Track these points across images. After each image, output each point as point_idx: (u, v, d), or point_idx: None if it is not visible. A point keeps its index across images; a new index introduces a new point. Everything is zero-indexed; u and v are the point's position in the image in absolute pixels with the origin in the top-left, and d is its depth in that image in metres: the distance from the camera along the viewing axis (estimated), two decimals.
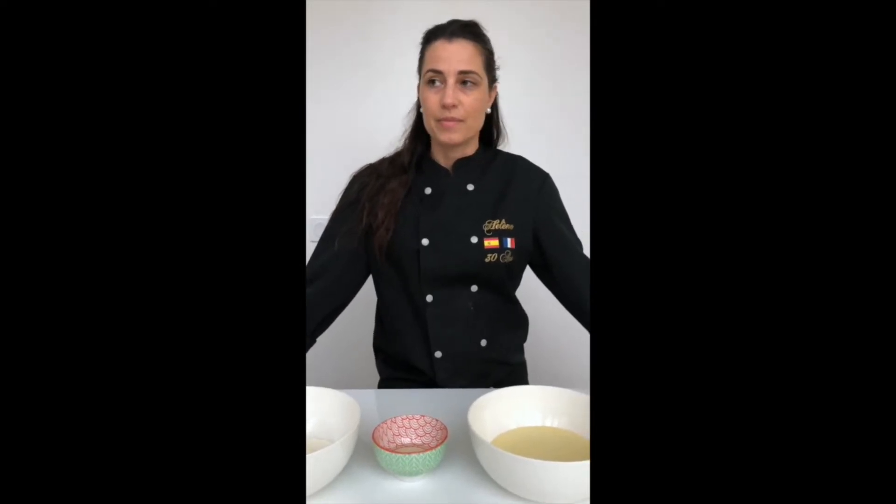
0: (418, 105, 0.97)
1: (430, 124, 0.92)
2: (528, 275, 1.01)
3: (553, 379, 0.79)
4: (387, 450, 0.62)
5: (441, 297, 0.94)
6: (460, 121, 0.88)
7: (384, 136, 1.01)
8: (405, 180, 0.96)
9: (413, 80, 0.97)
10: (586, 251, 0.96)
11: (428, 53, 0.90)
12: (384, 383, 1.05)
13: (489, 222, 0.93)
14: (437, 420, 0.69)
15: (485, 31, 0.92)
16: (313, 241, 0.99)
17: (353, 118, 1.54)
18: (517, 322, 1.04)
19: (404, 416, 0.70)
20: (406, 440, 0.69)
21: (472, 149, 0.97)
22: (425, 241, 0.92)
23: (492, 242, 0.92)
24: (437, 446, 0.63)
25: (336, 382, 0.74)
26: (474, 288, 0.95)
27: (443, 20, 0.91)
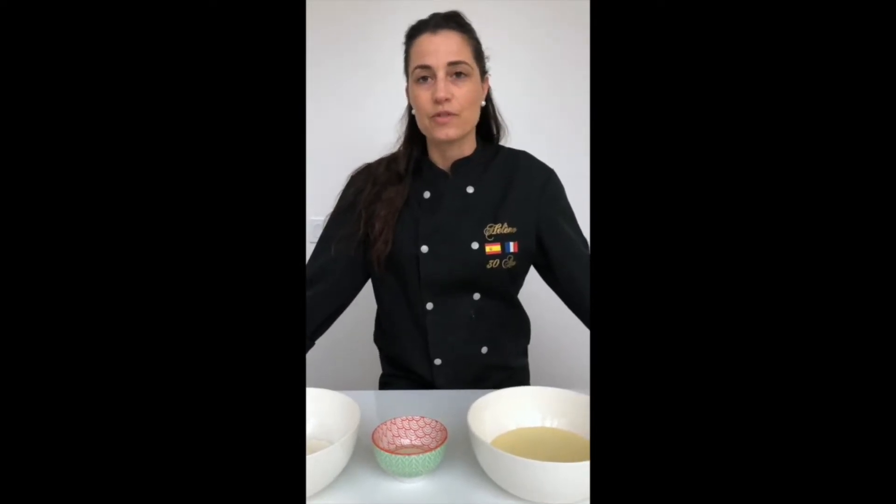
0: (409, 108, 0.94)
1: (423, 123, 0.88)
2: (528, 275, 1.00)
3: (553, 380, 0.79)
4: (386, 451, 0.62)
5: (441, 305, 0.92)
6: (455, 115, 0.84)
7: (384, 137, 1.00)
8: (402, 189, 0.92)
9: None
10: None
11: (413, 50, 0.86)
12: (385, 379, 1.04)
13: (490, 226, 0.89)
14: (436, 421, 0.69)
15: (468, 21, 0.88)
16: (313, 242, 0.99)
17: (353, 118, 1.54)
18: (519, 327, 1.02)
19: (404, 417, 0.70)
20: (406, 441, 0.69)
21: (469, 148, 0.93)
22: (424, 248, 0.89)
23: (493, 248, 0.89)
24: (436, 447, 0.63)
25: (336, 383, 0.74)
26: (476, 296, 0.92)
27: None
